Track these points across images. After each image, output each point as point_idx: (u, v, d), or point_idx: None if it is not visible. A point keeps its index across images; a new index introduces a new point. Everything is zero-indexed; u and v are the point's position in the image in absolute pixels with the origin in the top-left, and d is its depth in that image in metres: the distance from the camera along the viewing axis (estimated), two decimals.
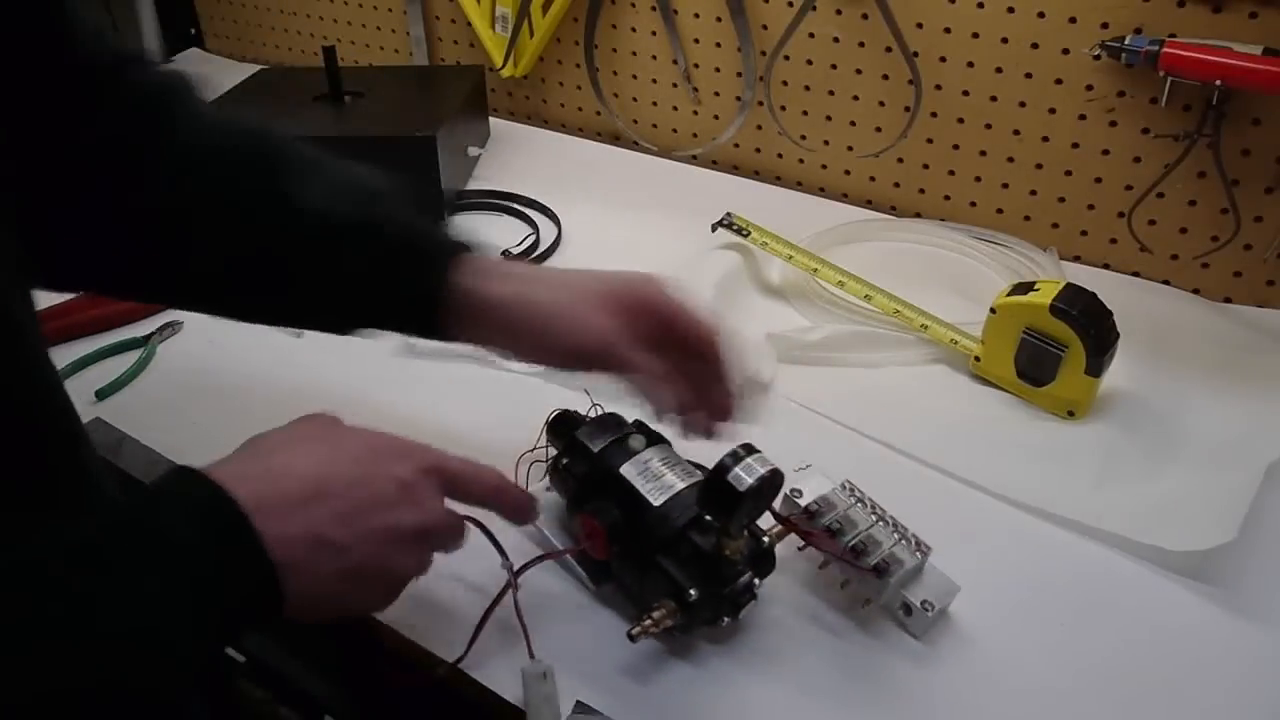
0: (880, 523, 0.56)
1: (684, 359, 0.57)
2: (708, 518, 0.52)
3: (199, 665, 0.41)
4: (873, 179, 1.02)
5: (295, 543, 0.42)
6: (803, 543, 0.56)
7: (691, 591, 0.51)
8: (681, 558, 0.53)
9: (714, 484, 0.50)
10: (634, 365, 0.55)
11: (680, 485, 0.55)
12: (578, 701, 0.51)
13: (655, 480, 0.55)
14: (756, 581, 0.54)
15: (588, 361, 0.56)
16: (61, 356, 0.77)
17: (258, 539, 0.40)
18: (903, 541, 0.55)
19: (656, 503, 0.54)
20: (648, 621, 0.51)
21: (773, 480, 0.50)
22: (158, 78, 0.57)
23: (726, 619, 0.53)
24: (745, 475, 0.49)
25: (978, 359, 0.75)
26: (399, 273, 0.56)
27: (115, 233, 0.55)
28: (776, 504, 0.55)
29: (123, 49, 0.56)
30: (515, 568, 0.54)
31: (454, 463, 0.50)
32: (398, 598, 0.48)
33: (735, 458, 0.50)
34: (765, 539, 0.54)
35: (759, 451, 0.50)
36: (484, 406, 0.72)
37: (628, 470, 0.56)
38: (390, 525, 0.45)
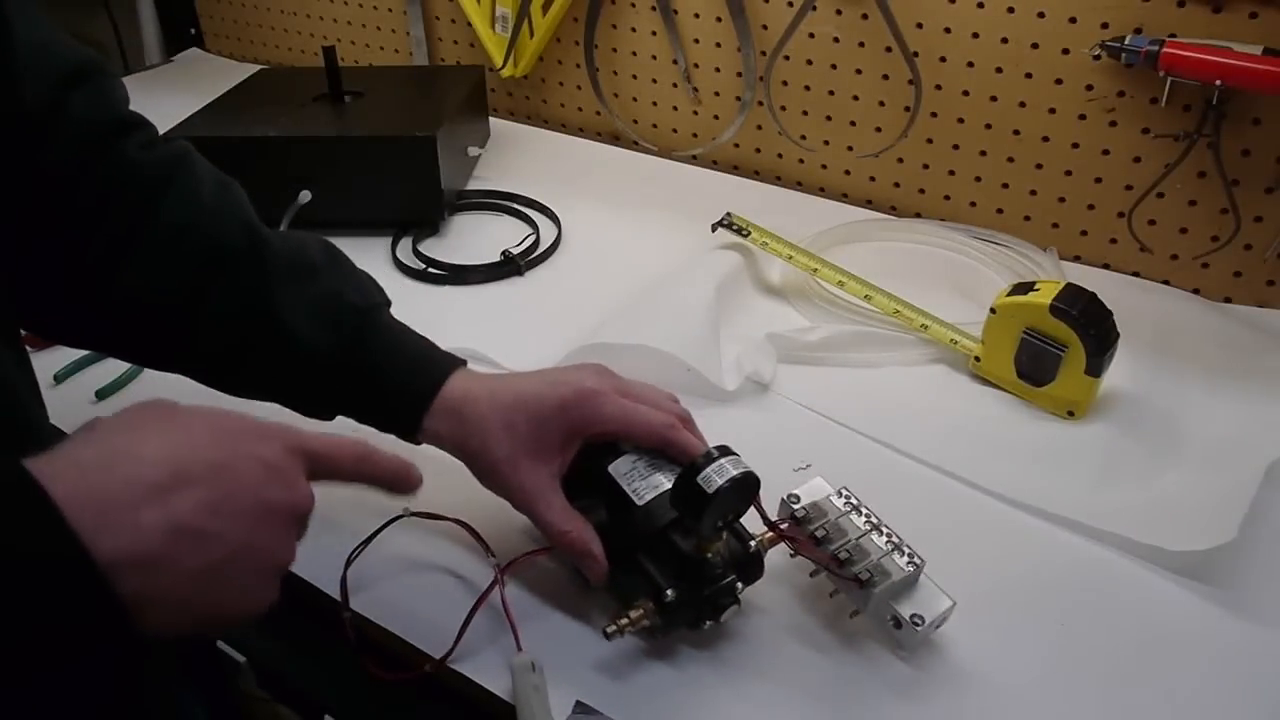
0: (874, 532, 0.54)
1: None
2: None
3: None
4: (873, 179, 1.03)
5: (150, 535, 0.37)
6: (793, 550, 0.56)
7: (669, 592, 0.51)
8: (661, 557, 0.52)
9: (684, 484, 0.49)
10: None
11: (666, 485, 0.54)
12: (577, 702, 0.51)
13: (643, 479, 0.55)
14: (739, 585, 0.53)
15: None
16: (61, 357, 0.77)
17: (72, 539, 0.34)
18: (895, 553, 0.53)
19: (640, 501, 0.54)
20: (624, 621, 0.51)
21: (745, 483, 0.49)
22: (160, 155, 0.57)
23: (708, 622, 0.53)
24: (716, 477, 0.48)
25: (978, 359, 0.75)
26: (380, 407, 0.59)
27: (85, 299, 0.55)
28: (771, 509, 0.54)
29: (126, 115, 0.57)
30: (503, 564, 0.55)
31: (315, 440, 0.46)
32: (275, 596, 0.43)
33: (709, 458, 0.49)
34: (752, 544, 0.54)
35: (735, 454, 0.50)
36: None
37: (616, 468, 0.56)
38: (262, 508, 0.41)
